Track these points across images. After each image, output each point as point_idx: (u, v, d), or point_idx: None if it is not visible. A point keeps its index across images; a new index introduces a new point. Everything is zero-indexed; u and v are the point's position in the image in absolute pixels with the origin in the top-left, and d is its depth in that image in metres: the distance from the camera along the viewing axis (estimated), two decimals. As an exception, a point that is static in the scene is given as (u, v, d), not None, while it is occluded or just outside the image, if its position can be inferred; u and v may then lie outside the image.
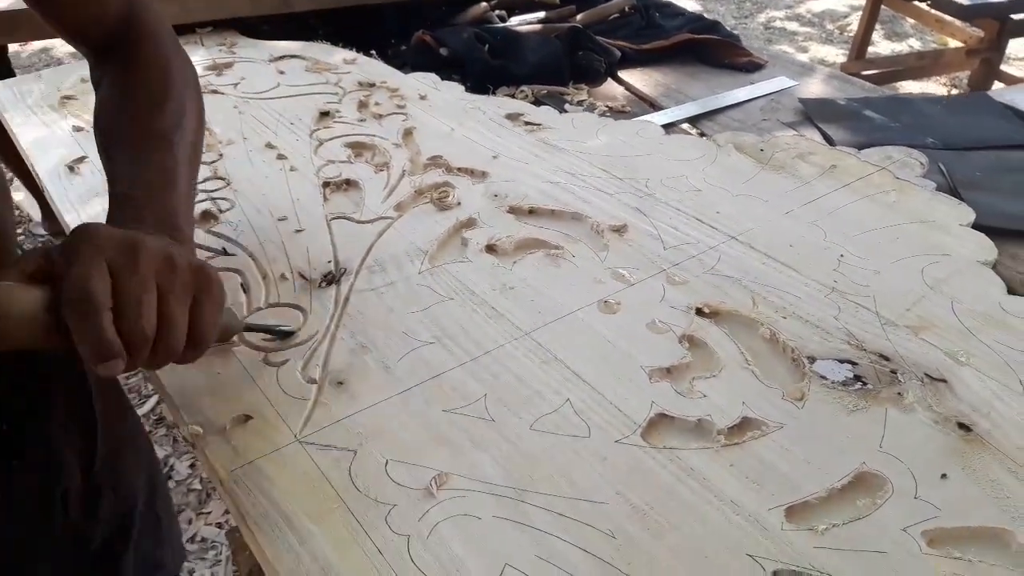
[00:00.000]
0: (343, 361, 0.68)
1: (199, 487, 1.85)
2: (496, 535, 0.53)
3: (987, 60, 3.00)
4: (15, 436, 0.62)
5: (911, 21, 4.04)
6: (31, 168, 1.00)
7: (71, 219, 0.88)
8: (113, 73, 0.71)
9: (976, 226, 0.87)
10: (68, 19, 0.70)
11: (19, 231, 2.69)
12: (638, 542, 0.52)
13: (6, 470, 0.61)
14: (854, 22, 4.19)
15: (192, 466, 1.88)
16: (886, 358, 0.68)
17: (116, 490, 0.75)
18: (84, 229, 0.50)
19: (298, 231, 0.86)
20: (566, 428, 0.61)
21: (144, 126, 0.66)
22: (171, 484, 1.86)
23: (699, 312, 0.73)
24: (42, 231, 2.62)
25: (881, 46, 4.30)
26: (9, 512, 0.62)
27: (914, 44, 4.39)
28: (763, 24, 4.69)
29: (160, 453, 1.92)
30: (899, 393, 0.64)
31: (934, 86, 3.83)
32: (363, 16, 1.56)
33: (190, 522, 1.78)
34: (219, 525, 1.76)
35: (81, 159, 0.99)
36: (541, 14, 1.59)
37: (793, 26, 4.66)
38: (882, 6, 3.14)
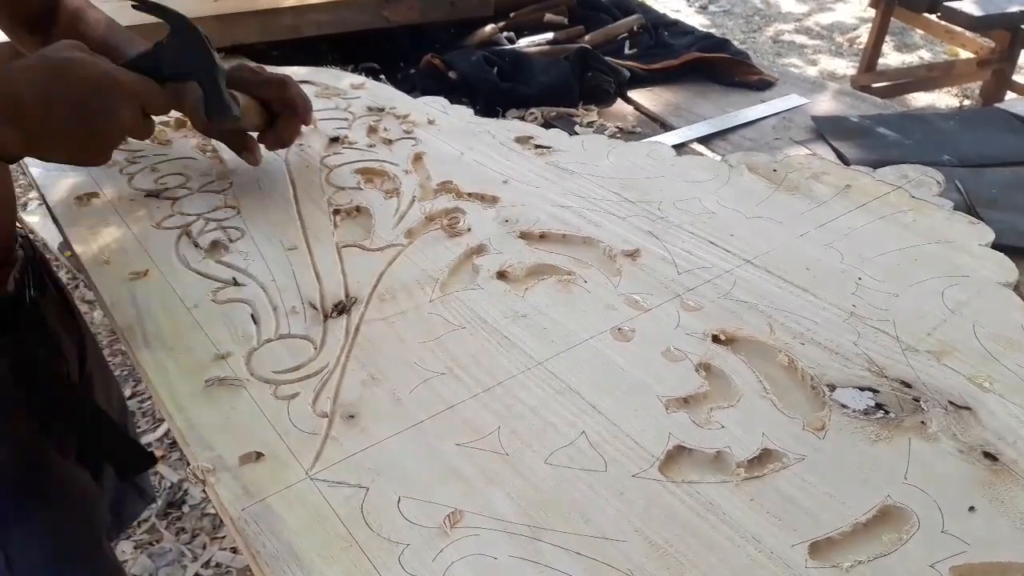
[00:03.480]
0: (354, 394, 0.67)
1: (213, 511, 1.84)
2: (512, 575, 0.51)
3: (999, 71, 2.99)
4: (16, 308, 0.80)
5: (920, 32, 4.03)
6: (42, 198, 1.00)
7: (80, 249, 0.88)
8: (65, 28, 0.90)
9: (995, 245, 0.85)
10: None
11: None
12: (657, 582, 0.51)
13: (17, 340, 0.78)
14: (863, 35, 4.18)
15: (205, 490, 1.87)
16: (908, 385, 0.66)
17: (103, 384, 0.93)
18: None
19: (290, 249, 0.87)
20: (581, 462, 0.60)
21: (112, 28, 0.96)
22: (185, 509, 1.85)
23: (715, 339, 0.72)
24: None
25: (891, 58, 4.29)
26: (26, 382, 0.78)
27: (924, 55, 4.38)
28: (771, 38, 4.69)
29: (174, 477, 1.92)
30: (922, 422, 0.62)
31: (946, 97, 3.81)
32: (372, 40, 1.56)
33: (204, 547, 1.77)
34: (234, 550, 1.76)
35: (92, 194, 0.98)
36: (550, 35, 1.59)
37: (802, 39, 4.66)
38: (891, 18, 3.13)
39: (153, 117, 0.81)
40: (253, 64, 0.93)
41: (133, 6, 0.83)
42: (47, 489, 0.80)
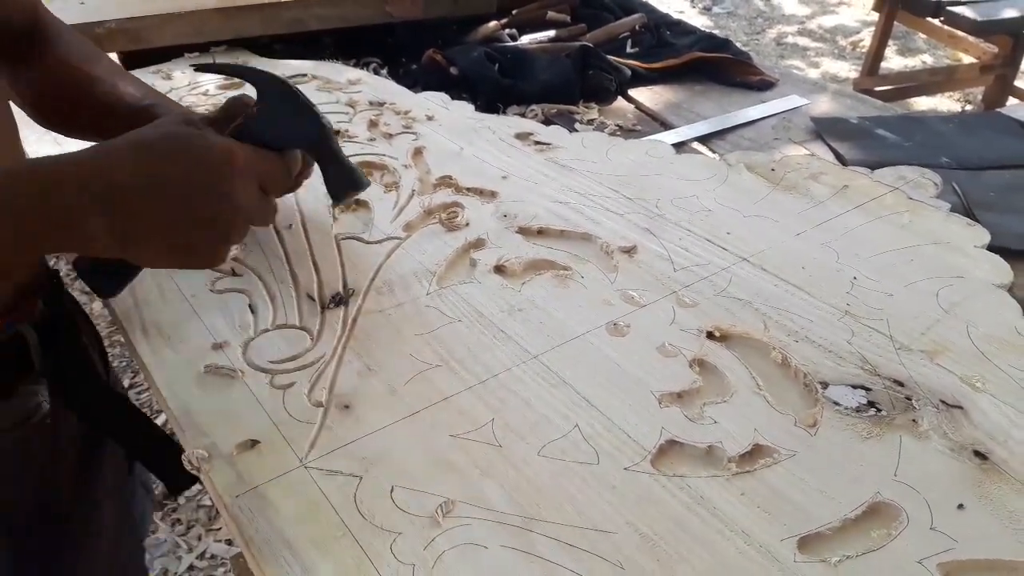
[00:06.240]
0: (349, 384, 0.68)
1: (209, 503, 1.84)
2: (503, 565, 0.52)
3: (1002, 76, 2.99)
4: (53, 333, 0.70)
5: (923, 36, 4.03)
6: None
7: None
8: (48, 52, 0.79)
9: (991, 247, 0.86)
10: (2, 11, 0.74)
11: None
12: (648, 574, 0.51)
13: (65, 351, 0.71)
14: (866, 38, 4.18)
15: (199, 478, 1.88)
16: (900, 383, 0.66)
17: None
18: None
19: (288, 226, 0.88)
20: (574, 454, 0.60)
21: (118, 70, 0.83)
22: (181, 500, 1.86)
23: (710, 335, 0.73)
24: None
25: (893, 61, 4.29)
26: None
27: (927, 59, 4.38)
28: (774, 40, 4.69)
29: (171, 469, 1.92)
30: (914, 420, 0.63)
31: (948, 102, 3.81)
32: (374, 35, 1.57)
33: (200, 538, 1.78)
34: (228, 542, 1.76)
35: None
36: (552, 33, 1.59)
37: (805, 41, 4.66)
38: (895, 22, 3.13)
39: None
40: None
41: (196, 68, 0.72)
42: (88, 535, 0.77)
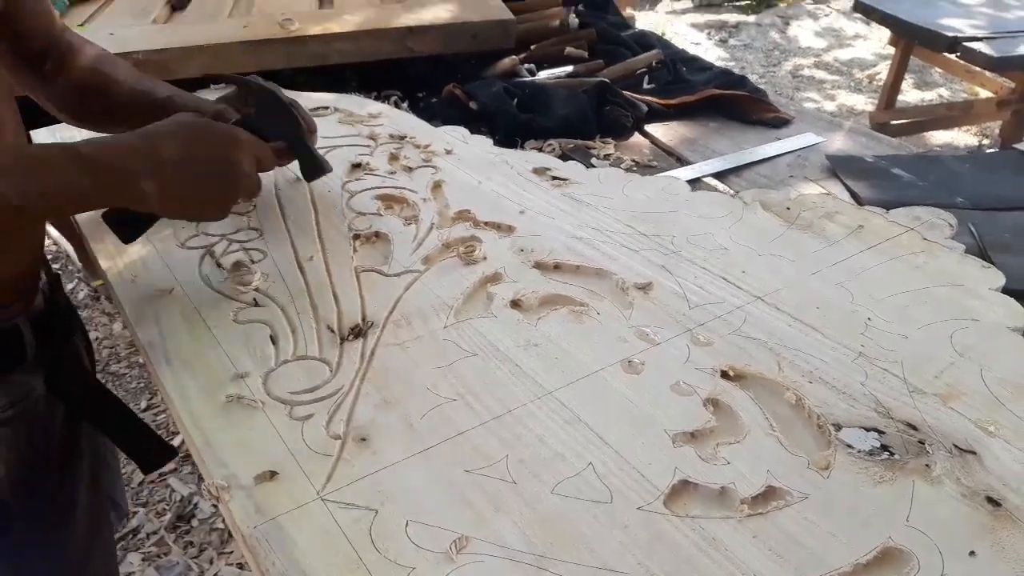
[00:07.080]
0: (367, 417, 0.69)
1: (221, 526, 1.85)
2: (515, 603, 0.52)
3: (1018, 111, 2.99)
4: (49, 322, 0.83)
5: (940, 70, 4.04)
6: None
7: (107, 265, 0.91)
8: (72, 61, 0.93)
9: (1006, 290, 0.86)
10: (23, 28, 0.87)
11: (56, 267, 2.75)
12: (659, 615, 0.52)
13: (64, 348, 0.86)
14: (883, 71, 4.19)
15: (216, 505, 1.88)
16: (914, 427, 0.67)
17: None
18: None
19: (310, 258, 0.92)
20: (588, 493, 0.61)
21: (135, 71, 0.99)
22: (194, 523, 1.87)
23: (724, 375, 0.73)
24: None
25: (910, 95, 4.29)
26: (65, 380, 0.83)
27: (943, 93, 4.38)
28: (790, 72, 4.71)
29: (184, 491, 1.93)
30: (927, 465, 0.63)
31: (965, 136, 3.81)
32: (395, 68, 1.60)
33: (211, 561, 1.78)
34: (240, 565, 1.76)
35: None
36: (569, 68, 1.62)
37: (821, 74, 4.68)
38: (911, 56, 3.14)
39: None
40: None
41: (212, 79, 0.93)
42: (69, 518, 0.86)
